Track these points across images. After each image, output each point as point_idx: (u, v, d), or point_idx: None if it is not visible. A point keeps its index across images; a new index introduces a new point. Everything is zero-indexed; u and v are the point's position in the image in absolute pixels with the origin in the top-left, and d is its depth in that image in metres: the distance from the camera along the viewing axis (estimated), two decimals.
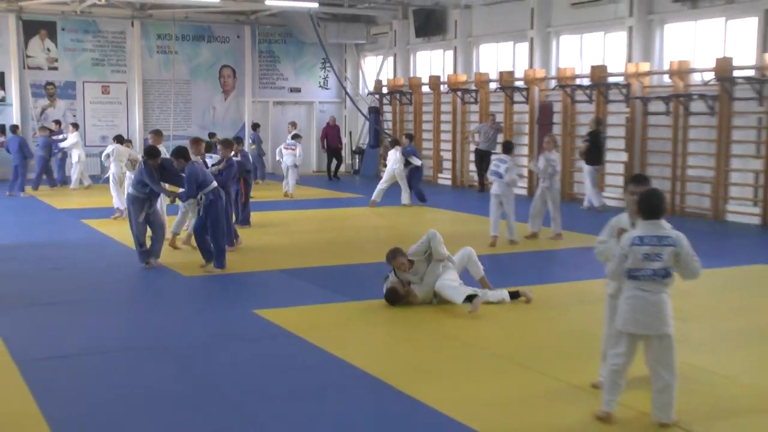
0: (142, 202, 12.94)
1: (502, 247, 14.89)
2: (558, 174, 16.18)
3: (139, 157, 17.74)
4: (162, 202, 14.34)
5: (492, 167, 15.88)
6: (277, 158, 24.73)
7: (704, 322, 10.20)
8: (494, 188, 15.45)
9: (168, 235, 14.54)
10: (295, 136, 24.75)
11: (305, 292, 11.64)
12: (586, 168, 21.10)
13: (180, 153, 12.96)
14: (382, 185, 21.50)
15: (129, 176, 16.72)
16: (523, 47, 25.08)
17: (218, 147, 15.27)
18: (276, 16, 30.78)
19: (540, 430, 6.57)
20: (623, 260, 6.52)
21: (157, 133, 18.09)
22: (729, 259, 14.19)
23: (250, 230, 16.81)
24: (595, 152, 20.88)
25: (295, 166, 23.90)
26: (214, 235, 12.74)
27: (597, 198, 20.90)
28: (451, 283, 10.32)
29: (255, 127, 27.67)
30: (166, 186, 13.39)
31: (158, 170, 12.93)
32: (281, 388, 7.60)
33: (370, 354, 8.65)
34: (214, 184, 12.98)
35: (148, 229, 13.19)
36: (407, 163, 21.38)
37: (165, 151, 16.89)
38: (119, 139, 19.53)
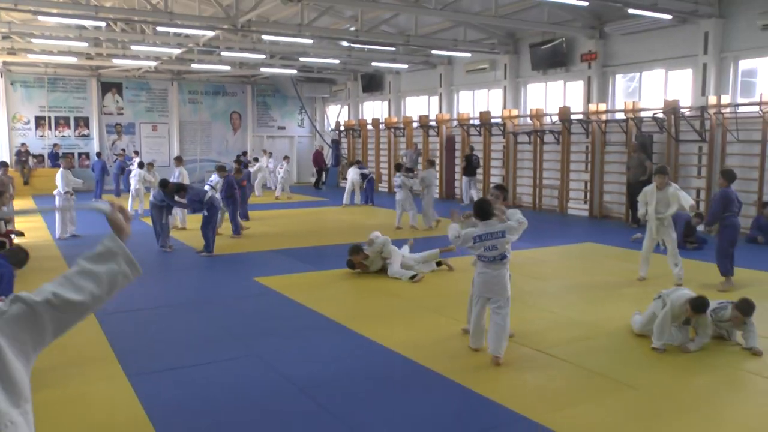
0: (160, 209, 12.89)
1: (410, 232, 14.96)
2: (433, 185, 16.02)
3: (151, 178, 17.94)
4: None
5: (394, 181, 16.17)
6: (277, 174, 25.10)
7: (553, 280, 10.47)
8: (397, 195, 15.81)
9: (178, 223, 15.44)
10: (285, 158, 25.08)
11: (291, 265, 11.64)
12: (464, 178, 21.91)
13: (180, 187, 12.77)
14: (348, 192, 21.68)
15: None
16: (435, 99, 25.21)
17: (216, 171, 15.25)
18: (268, 78, 30.64)
19: (446, 354, 6.72)
20: (467, 241, 6.59)
21: (179, 159, 18.41)
22: (569, 239, 14.48)
23: (252, 222, 16.70)
24: (469, 168, 21.66)
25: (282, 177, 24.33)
26: (206, 230, 12.57)
27: (467, 196, 21.64)
28: (399, 270, 10.32)
29: (244, 153, 27.14)
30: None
31: (172, 192, 12.70)
32: (273, 329, 7.72)
33: (334, 306, 8.69)
34: (209, 195, 12.90)
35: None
36: (363, 176, 21.67)
37: (186, 173, 17.06)
38: (141, 165, 19.63)
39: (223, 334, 7.54)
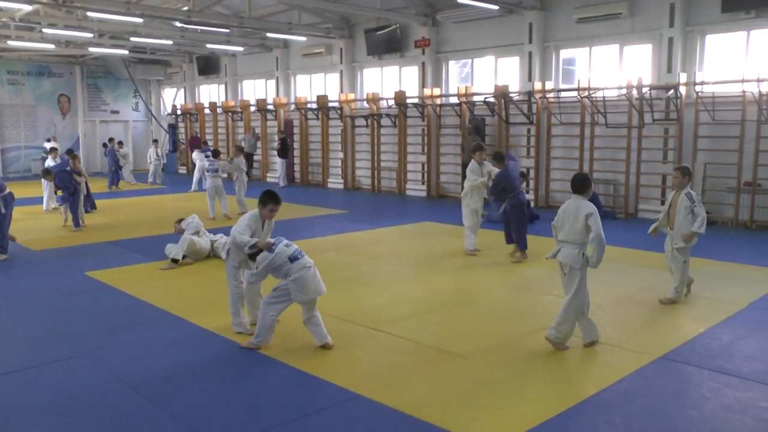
0: None
1: (223, 221, 14.44)
2: (217, 174, 15.16)
3: None
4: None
5: (207, 166, 15.60)
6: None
7: (390, 259, 10.61)
8: (210, 181, 15.05)
9: None
10: (155, 141, 24.77)
11: (124, 256, 11.02)
12: (279, 160, 22.24)
13: None
14: (196, 176, 21.41)
15: None
16: (272, 83, 24.89)
17: (62, 190, 13.84)
18: (98, 59, 28.91)
19: (283, 339, 6.57)
20: (269, 268, 6.16)
21: None
22: (407, 219, 14.74)
23: (91, 213, 15.74)
24: (283, 150, 22.12)
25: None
26: (2, 226, 11.06)
27: (283, 179, 22.10)
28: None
29: (110, 140, 24.51)
30: None
31: None
32: (105, 326, 7.23)
33: (170, 297, 8.33)
34: (8, 190, 11.21)
35: None
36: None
37: None
38: None
39: (48, 335, 6.97)
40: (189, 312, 7.58)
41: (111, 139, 24.63)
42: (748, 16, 13.39)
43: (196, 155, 21.70)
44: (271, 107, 23.92)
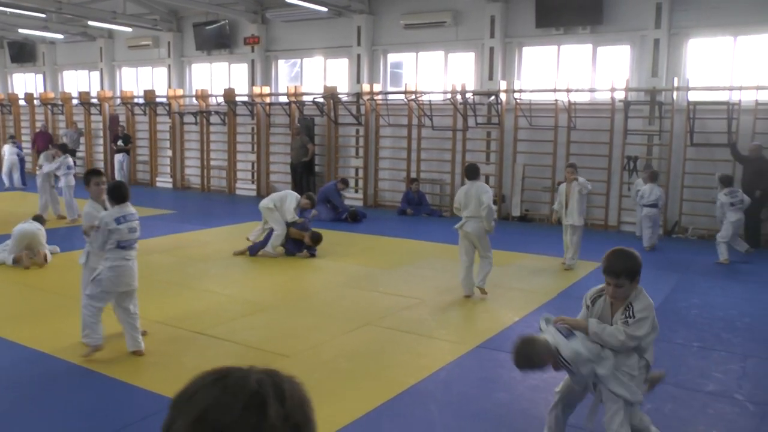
0: None
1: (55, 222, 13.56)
2: (72, 172, 13.90)
3: None
4: None
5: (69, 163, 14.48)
6: None
7: (218, 261, 10.27)
8: (38, 180, 13.98)
9: None
10: None
11: None
12: (123, 155, 20.70)
13: None
14: (6, 173, 19.77)
15: None
16: (96, 75, 23.54)
17: None
18: None
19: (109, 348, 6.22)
20: (108, 224, 5.84)
21: None
22: (237, 218, 14.40)
23: None
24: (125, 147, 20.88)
25: None
26: None
27: (121, 174, 20.55)
28: None
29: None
30: None
31: None
32: None
33: None
34: None
35: None
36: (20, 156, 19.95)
37: None
38: None
39: None
40: None
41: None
42: (558, 32, 14.45)
43: (6, 149, 19.91)
44: (95, 101, 22.59)
